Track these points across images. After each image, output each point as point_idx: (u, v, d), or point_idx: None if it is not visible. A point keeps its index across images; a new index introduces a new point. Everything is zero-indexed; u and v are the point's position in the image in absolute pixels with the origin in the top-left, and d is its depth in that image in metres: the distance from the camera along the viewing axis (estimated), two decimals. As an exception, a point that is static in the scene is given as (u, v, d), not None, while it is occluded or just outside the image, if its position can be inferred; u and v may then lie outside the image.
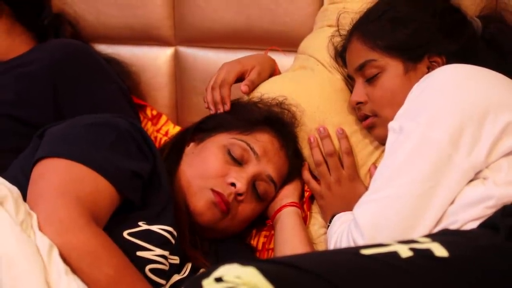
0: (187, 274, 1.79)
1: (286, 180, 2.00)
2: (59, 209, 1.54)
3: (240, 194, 1.85)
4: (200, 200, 1.85)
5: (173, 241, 1.72)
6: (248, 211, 1.91)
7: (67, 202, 1.56)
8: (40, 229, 1.51)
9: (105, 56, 2.34)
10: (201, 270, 1.74)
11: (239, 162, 1.88)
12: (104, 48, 2.39)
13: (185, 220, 1.82)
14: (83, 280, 1.49)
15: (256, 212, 1.94)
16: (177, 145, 1.97)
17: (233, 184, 1.85)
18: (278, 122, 1.97)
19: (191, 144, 1.96)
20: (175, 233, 1.73)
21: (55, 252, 1.49)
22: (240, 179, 1.85)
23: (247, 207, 1.90)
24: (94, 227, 1.55)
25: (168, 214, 1.74)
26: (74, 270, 1.49)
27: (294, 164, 1.99)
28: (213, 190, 1.84)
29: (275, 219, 1.96)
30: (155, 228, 1.69)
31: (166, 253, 1.69)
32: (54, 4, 2.39)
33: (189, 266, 1.81)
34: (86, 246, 1.52)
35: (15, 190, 1.56)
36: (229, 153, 1.88)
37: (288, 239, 1.91)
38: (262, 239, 1.99)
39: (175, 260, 1.75)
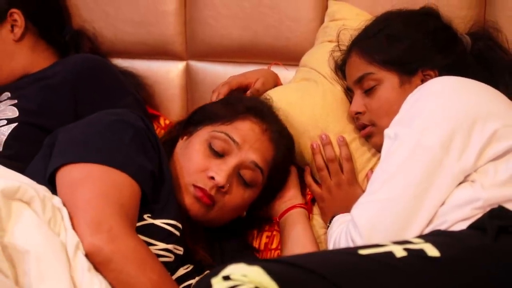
0: (192, 268, 1.77)
1: (280, 165, 1.91)
2: (108, 218, 1.53)
3: (221, 187, 1.79)
4: (185, 196, 1.79)
5: (177, 233, 1.70)
6: (237, 199, 1.84)
7: (115, 211, 1.55)
8: (85, 234, 1.51)
9: (121, 69, 2.34)
10: (206, 273, 1.72)
11: (220, 154, 1.81)
12: (121, 62, 2.39)
13: (183, 214, 1.78)
14: (128, 283, 1.51)
15: (248, 198, 1.87)
16: (169, 141, 1.92)
17: (213, 178, 1.78)
18: (258, 108, 1.89)
19: (183, 139, 1.89)
20: (179, 225, 1.71)
21: (81, 250, 1.49)
22: (219, 172, 1.78)
23: (235, 195, 1.83)
24: (136, 234, 1.57)
25: (172, 207, 1.71)
26: (120, 274, 1.50)
27: (280, 145, 1.89)
28: (195, 186, 1.79)
29: (283, 217, 1.95)
30: (158, 222, 1.67)
31: (169, 246, 1.68)
32: (75, 22, 2.40)
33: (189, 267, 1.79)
34: (135, 252, 1.53)
35: (41, 189, 1.55)
36: (210, 146, 1.81)
37: (300, 239, 1.89)
38: (264, 240, 1.99)
39: (179, 250, 1.72)
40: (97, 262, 1.50)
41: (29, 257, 1.43)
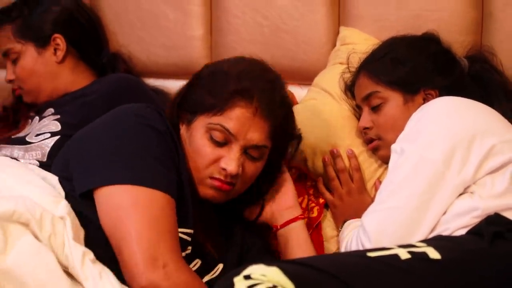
0: (200, 265, 1.69)
1: (281, 131, 1.71)
2: (163, 252, 1.47)
3: (234, 175, 1.66)
4: (205, 189, 1.68)
5: (189, 239, 1.63)
6: (251, 173, 1.71)
7: (167, 243, 1.49)
8: (141, 270, 1.45)
9: (153, 88, 2.34)
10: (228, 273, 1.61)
11: (223, 142, 1.65)
12: (153, 81, 2.40)
13: (199, 208, 1.68)
14: None
15: (260, 167, 1.73)
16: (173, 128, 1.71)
17: (224, 169, 1.65)
18: (244, 88, 1.66)
19: (183, 125, 1.73)
20: (191, 231, 1.64)
21: (87, 258, 1.44)
22: (229, 162, 1.64)
23: (248, 171, 1.69)
24: (187, 265, 1.53)
25: (188, 214, 1.62)
26: None
27: (275, 115, 1.69)
28: (211, 178, 1.66)
29: (284, 228, 1.84)
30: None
31: (183, 253, 1.60)
32: (112, 46, 2.41)
33: (220, 267, 1.72)
34: (190, 285, 1.49)
35: (38, 210, 1.45)
36: (212, 138, 1.65)
37: (305, 250, 1.81)
38: None
39: (188, 250, 1.64)
40: None
41: (25, 283, 1.37)
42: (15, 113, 2.33)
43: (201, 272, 1.65)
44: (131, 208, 1.50)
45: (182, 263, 1.50)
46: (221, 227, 1.78)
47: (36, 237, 1.43)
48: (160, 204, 1.52)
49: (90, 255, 1.45)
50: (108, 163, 1.56)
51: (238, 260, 1.76)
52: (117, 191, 1.52)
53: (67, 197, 1.56)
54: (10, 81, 2.29)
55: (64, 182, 1.61)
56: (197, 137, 1.67)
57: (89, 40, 2.31)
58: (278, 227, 1.83)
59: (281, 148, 1.77)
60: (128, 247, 1.47)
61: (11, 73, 2.27)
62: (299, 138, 1.80)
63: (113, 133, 1.60)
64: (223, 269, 1.71)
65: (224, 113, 1.65)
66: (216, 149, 1.66)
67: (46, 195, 1.53)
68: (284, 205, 1.84)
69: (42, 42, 2.24)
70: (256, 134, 1.66)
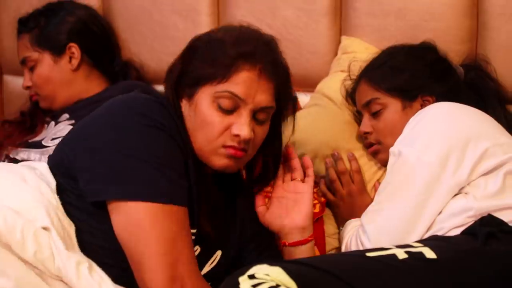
0: (217, 262, 1.64)
1: (283, 88, 1.63)
2: (181, 272, 1.44)
3: (247, 140, 1.56)
4: (219, 159, 1.57)
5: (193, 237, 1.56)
6: (260, 137, 1.61)
7: (186, 262, 1.45)
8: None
9: (163, 94, 2.35)
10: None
11: (232, 110, 1.55)
12: (162, 88, 2.40)
13: (208, 186, 1.61)
14: None
15: (266, 132, 1.63)
16: (173, 107, 1.61)
17: (238, 135, 1.54)
18: (245, 51, 1.56)
19: (184, 102, 1.60)
20: (195, 230, 1.57)
21: (83, 268, 1.40)
22: (241, 127, 1.54)
23: (258, 136, 1.60)
24: (204, 281, 1.50)
25: (195, 215, 1.55)
26: None
27: (279, 73, 1.61)
28: (224, 146, 1.55)
29: (294, 247, 1.72)
30: None
31: None
32: (124, 55, 2.41)
33: (219, 254, 1.65)
34: None
35: (18, 226, 1.39)
36: (220, 106, 1.55)
37: None
38: None
39: (197, 250, 1.59)
40: None
41: None
42: (32, 118, 2.34)
43: (201, 259, 1.60)
44: (149, 226, 1.44)
45: (199, 281, 1.48)
46: (223, 210, 1.70)
47: (20, 258, 1.38)
48: (177, 219, 1.47)
49: (85, 263, 1.41)
50: (123, 175, 1.47)
51: (237, 250, 1.71)
52: (135, 207, 1.45)
53: (64, 197, 1.52)
54: (28, 88, 2.30)
55: (62, 179, 1.54)
56: (204, 109, 1.56)
57: (102, 49, 2.32)
58: (286, 244, 1.72)
59: (283, 109, 1.67)
60: (147, 264, 1.43)
61: (28, 80, 2.28)
62: (295, 99, 1.72)
63: (122, 138, 1.50)
64: (221, 256, 1.66)
65: (230, 79, 1.55)
66: (225, 117, 1.55)
67: (29, 201, 1.46)
68: (297, 223, 1.71)
69: (58, 50, 2.25)
70: (263, 96, 1.57)
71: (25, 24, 2.28)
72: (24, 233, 1.39)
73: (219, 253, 1.66)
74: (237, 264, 1.66)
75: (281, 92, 1.61)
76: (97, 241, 1.50)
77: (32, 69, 2.26)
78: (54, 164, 1.58)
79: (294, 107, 1.77)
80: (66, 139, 1.61)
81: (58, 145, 1.62)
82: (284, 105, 1.66)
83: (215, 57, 1.56)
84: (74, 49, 2.25)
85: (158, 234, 1.44)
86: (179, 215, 1.47)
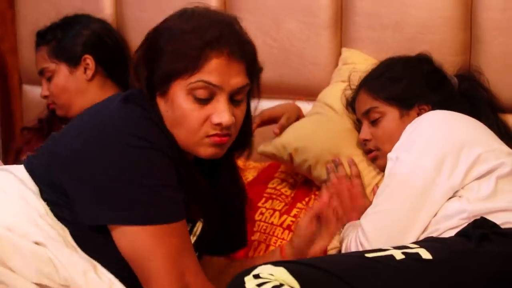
0: (199, 233, 1.58)
1: (252, 62, 1.54)
2: (189, 284, 1.43)
3: (230, 125, 1.48)
4: (205, 149, 1.49)
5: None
6: (241, 116, 1.53)
7: (192, 271, 1.44)
8: None
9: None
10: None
11: (208, 98, 1.47)
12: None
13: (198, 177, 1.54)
14: None
15: (245, 109, 1.56)
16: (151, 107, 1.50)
17: (219, 123, 1.46)
18: (210, 39, 1.46)
19: (158, 98, 1.50)
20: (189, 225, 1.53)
21: (90, 274, 1.39)
22: (221, 114, 1.46)
23: (238, 116, 1.52)
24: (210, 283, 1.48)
25: (188, 212, 1.49)
26: None
27: (246, 51, 1.51)
28: (208, 136, 1.47)
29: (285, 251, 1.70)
30: None
31: None
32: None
33: (199, 226, 1.58)
34: None
35: (16, 250, 1.37)
36: (196, 97, 1.46)
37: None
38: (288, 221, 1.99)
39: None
40: None
41: None
42: (49, 125, 2.35)
43: None
44: (154, 246, 1.40)
45: (206, 284, 1.47)
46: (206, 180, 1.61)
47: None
48: (178, 233, 1.43)
49: (91, 270, 1.40)
50: (120, 199, 1.40)
51: (219, 220, 1.64)
52: (137, 231, 1.40)
53: (57, 212, 1.46)
54: (45, 97, 2.31)
55: (53, 194, 1.47)
56: (180, 103, 1.47)
57: (115, 60, 2.33)
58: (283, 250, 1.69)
59: (255, 81, 1.59)
60: (156, 280, 1.41)
61: (46, 89, 2.29)
62: (261, 69, 1.61)
63: (116, 160, 1.41)
64: (202, 227, 1.59)
65: (201, 69, 1.45)
66: (203, 107, 1.46)
67: (17, 214, 1.42)
68: (311, 254, 1.63)
69: (73, 62, 2.26)
70: (237, 78, 1.48)
71: (43, 37, 2.29)
72: (23, 254, 1.36)
73: (199, 225, 1.59)
74: (222, 234, 1.66)
75: (252, 68, 1.54)
76: (96, 251, 1.46)
77: (49, 80, 2.27)
78: (41, 179, 1.49)
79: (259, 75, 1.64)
80: (51, 154, 1.50)
81: (42, 157, 1.52)
82: (254, 79, 1.57)
83: (181, 50, 1.46)
84: (89, 60, 2.26)
85: (164, 252, 1.41)
86: (180, 229, 1.44)
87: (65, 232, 1.45)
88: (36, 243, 1.39)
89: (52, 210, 1.46)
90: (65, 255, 1.40)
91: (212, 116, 1.47)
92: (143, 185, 1.40)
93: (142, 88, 1.50)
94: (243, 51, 1.50)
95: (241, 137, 1.59)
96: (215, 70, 1.46)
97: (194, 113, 1.46)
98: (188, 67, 1.45)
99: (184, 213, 1.45)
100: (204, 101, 1.47)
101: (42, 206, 1.45)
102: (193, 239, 1.56)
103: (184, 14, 1.52)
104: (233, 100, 1.50)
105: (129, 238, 1.41)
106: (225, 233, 1.69)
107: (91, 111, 1.55)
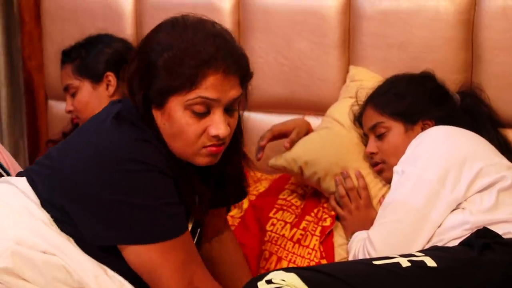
0: (197, 237, 1.57)
1: (246, 71, 1.48)
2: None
3: (224, 138, 1.45)
4: (201, 159, 1.45)
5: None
6: (235, 123, 1.49)
7: (200, 278, 1.43)
8: None
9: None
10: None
11: (206, 112, 1.42)
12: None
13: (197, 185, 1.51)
14: None
15: (237, 115, 1.52)
16: (146, 119, 1.45)
17: (216, 135, 1.43)
18: (208, 59, 1.40)
19: (154, 111, 1.44)
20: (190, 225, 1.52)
21: (102, 278, 1.39)
22: (218, 126, 1.42)
23: (232, 124, 1.48)
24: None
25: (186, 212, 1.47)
26: None
27: (241, 64, 1.46)
28: (205, 147, 1.43)
29: None
30: None
31: None
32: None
33: (198, 231, 1.57)
34: None
35: (29, 263, 1.37)
36: (194, 112, 1.41)
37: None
38: (297, 235, 1.96)
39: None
40: None
41: None
42: (73, 139, 2.34)
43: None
44: (161, 261, 1.40)
45: (214, 286, 1.47)
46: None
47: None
48: (183, 245, 1.42)
49: (102, 275, 1.39)
50: (125, 221, 1.38)
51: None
52: (143, 250, 1.39)
53: (62, 228, 1.44)
54: (69, 112, 2.32)
55: (56, 212, 1.44)
56: (177, 118, 1.42)
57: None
58: None
59: (246, 88, 1.53)
60: None
61: (70, 105, 2.30)
62: (251, 76, 1.53)
63: (115, 186, 1.37)
64: (200, 231, 1.58)
65: (198, 86, 1.39)
66: (200, 121, 1.42)
67: (23, 227, 1.40)
68: None
69: (96, 79, 2.26)
70: (233, 91, 1.43)
71: (68, 55, 2.30)
72: (36, 265, 1.36)
73: (198, 230, 1.59)
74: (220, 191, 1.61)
75: (245, 78, 1.48)
76: (103, 258, 1.45)
77: (73, 95, 2.28)
78: (42, 195, 1.46)
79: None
80: (49, 176, 1.46)
81: (41, 174, 1.48)
82: (247, 83, 1.52)
83: (176, 68, 1.39)
84: (111, 77, 2.26)
85: (170, 265, 1.40)
86: (184, 240, 1.43)
87: (71, 240, 1.43)
88: (45, 252, 1.38)
89: (55, 223, 1.44)
90: (75, 260, 1.39)
91: (209, 128, 1.43)
92: (144, 206, 1.37)
93: (137, 103, 1.44)
94: (238, 65, 1.44)
95: (233, 139, 1.55)
96: (212, 86, 1.40)
97: (192, 127, 1.42)
98: (186, 85, 1.40)
99: (186, 225, 1.45)
100: (201, 115, 1.42)
101: (46, 216, 1.43)
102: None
103: (176, 27, 1.43)
104: (227, 110, 1.46)
105: (136, 255, 1.40)
106: (223, 190, 1.63)
107: (88, 129, 1.49)
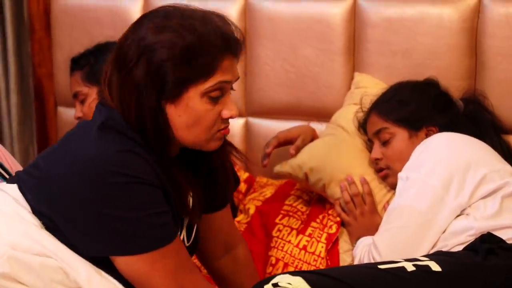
0: (194, 235, 1.53)
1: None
2: None
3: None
4: (215, 143, 1.44)
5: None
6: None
7: (194, 284, 1.41)
8: None
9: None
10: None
11: (220, 96, 1.40)
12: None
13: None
14: None
15: None
16: (157, 117, 1.40)
17: (229, 117, 1.43)
18: (221, 44, 1.39)
19: (167, 104, 1.39)
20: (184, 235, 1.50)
21: (95, 280, 1.37)
22: (230, 107, 1.42)
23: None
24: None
25: (176, 221, 1.44)
26: None
27: (243, 42, 1.46)
28: (219, 130, 1.43)
29: None
30: None
31: None
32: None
33: (194, 228, 1.54)
34: None
35: (26, 267, 1.35)
36: (210, 98, 1.39)
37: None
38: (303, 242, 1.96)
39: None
40: None
41: None
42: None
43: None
44: (150, 270, 1.37)
45: None
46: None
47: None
48: (173, 252, 1.39)
49: (96, 276, 1.38)
50: (112, 234, 1.36)
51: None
52: (132, 261, 1.37)
53: (55, 235, 1.40)
54: (78, 118, 2.32)
55: (48, 221, 1.41)
56: (196, 106, 1.39)
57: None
58: None
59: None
60: None
61: (79, 111, 2.30)
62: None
63: (100, 199, 1.34)
64: (196, 229, 1.54)
65: (217, 71, 1.38)
66: (215, 105, 1.40)
67: (15, 232, 1.38)
68: None
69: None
70: (237, 69, 1.44)
71: (77, 63, 2.30)
72: (33, 268, 1.35)
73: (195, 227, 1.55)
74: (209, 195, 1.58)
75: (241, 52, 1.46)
76: (96, 261, 1.42)
77: (82, 102, 2.28)
78: (31, 203, 1.43)
79: None
80: (36, 186, 1.43)
81: (28, 183, 1.44)
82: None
83: (193, 61, 1.36)
84: None
85: (160, 273, 1.38)
86: (173, 248, 1.39)
87: (64, 244, 1.41)
88: (40, 255, 1.37)
89: (46, 230, 1.41)
90: (69, 262, 1.38)
91: (222, 112, 1.41)
92: (128, 218, 1.34)
93: (154, 104, 1.38)
94: (238, 42, 1.43)
95: None
96: (229, 68, 1.40)
97: (210, 113, 1.40)
98: (204, 73, 1.37)
99: (174, 233, 1.41)
100: (216, 99, 1.40)
101: (37, 222, 1.40)
102: (191, 241, 1.53)
103: (173, 23, 1.38)
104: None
105: (126, 266, 1.38)
106: (215, 184, 1.60)
107: (73, 140, 1.44)
